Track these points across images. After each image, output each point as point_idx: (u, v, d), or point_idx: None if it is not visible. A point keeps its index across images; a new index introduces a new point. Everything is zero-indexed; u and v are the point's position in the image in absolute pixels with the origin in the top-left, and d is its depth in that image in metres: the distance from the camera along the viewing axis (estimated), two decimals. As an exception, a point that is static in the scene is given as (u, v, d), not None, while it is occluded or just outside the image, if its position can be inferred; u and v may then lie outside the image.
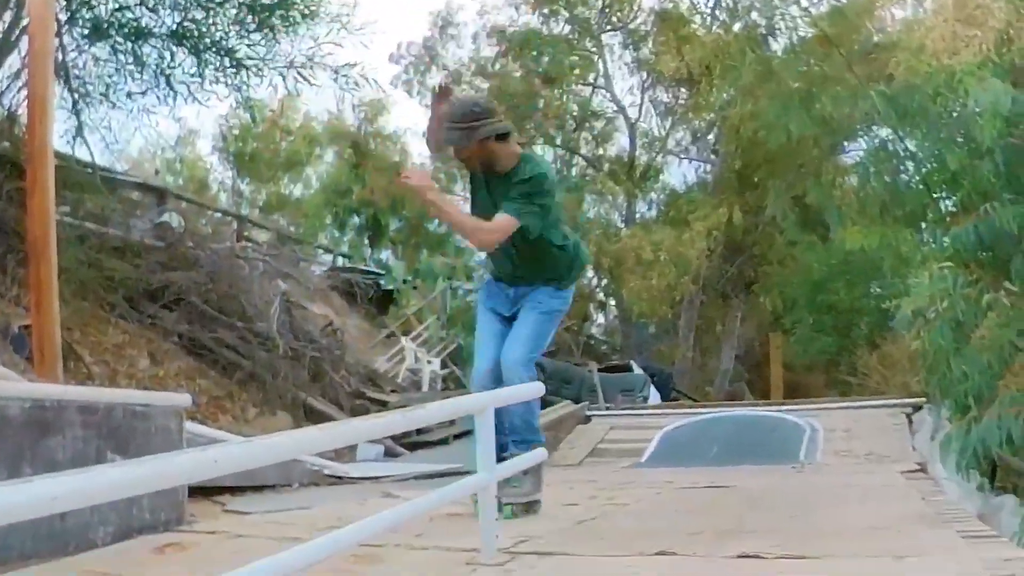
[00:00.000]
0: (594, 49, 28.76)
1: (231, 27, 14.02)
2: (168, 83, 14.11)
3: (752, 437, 11.34)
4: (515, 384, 5.82)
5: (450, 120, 5.93)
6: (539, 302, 6.21)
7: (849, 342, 22.85)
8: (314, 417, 12.80)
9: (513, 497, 6.04)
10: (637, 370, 20.64)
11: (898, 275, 13.60)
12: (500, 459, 5.18)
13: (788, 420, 11.77)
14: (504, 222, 5.89)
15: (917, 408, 12.17)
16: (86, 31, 13.81)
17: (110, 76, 14.13)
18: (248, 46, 14.08)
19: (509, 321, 6.25)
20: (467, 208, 6.40)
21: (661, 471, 9.38)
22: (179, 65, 14.10)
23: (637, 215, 29.73)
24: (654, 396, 19.48)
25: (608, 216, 30.13)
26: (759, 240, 26.48)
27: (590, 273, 27.50)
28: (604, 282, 29.61)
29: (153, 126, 19.17)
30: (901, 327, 10.96)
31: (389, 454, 12.13)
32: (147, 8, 13.82)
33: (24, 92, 11.66)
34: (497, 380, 6.02)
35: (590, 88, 29.72)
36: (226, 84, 14.20)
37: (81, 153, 14.06)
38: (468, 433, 10.32)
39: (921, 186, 11.93)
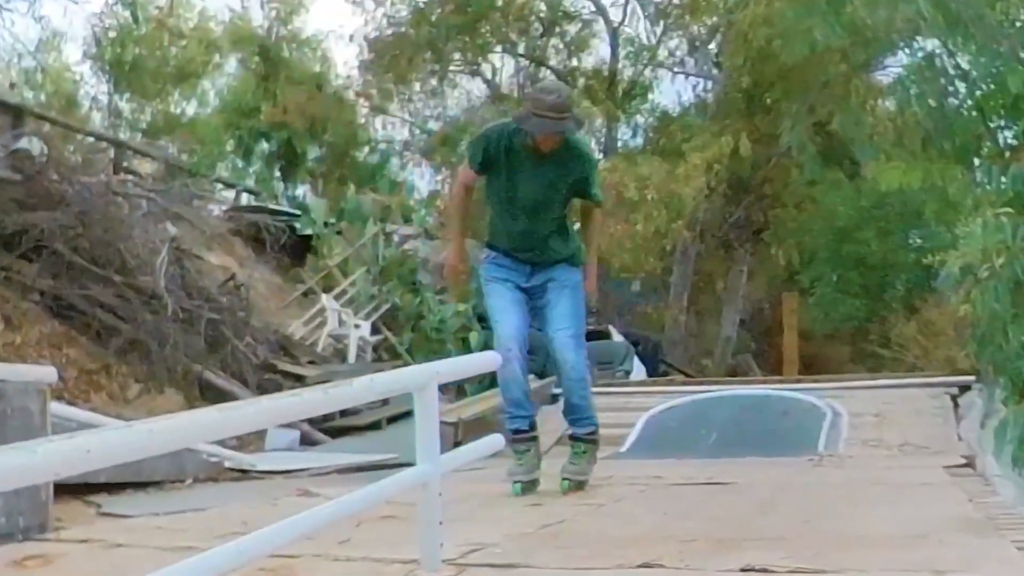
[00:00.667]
0: (568, -66, 28.71)
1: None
2: (27, -29, 13.92)
3: (760, 422, 11.44)
4: (568, 363, 7.75)
5: (560, 110, 7.34)
6: (566, 280, 7.77)
7: (881, 305, 23.07)
8: (212, 395, 12.78)
9: (573, 474, 7.62)
10: (617, 337, 20.70)
11: (944, 223, 13.70)
12: (529, 437, 7.72)
13: (804, 402, 11.87)
14: (598, 211, 8.22)
15: (965, 388, 12.30)
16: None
17: (-48, -38, 13.93)
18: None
19: (526, 292, 7.76)
20: (500, 186, 7.72)
21: (646, 463, 9.45)
22: (41, -52, 13.90)
23: (619, 143, 29.77)
24: (638, 370, 19.57)
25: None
26: (771, 177, 26.58)
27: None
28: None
29: (8, 27, 18.91)
30: (946, 287, 11.05)
31: (306, 442, 12.14)
32: None
33: None
34: (523, 346, 7.65)
35: (562, -17, 29.65)
36: (101, -27, 14.01)
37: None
38: (406, 415, 10.33)
39: (974, 112, 12.00)
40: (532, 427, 7.81)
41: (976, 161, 12.40)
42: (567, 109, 7.43)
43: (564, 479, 7.58)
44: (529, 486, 7.52)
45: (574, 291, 7.79)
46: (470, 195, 8.19)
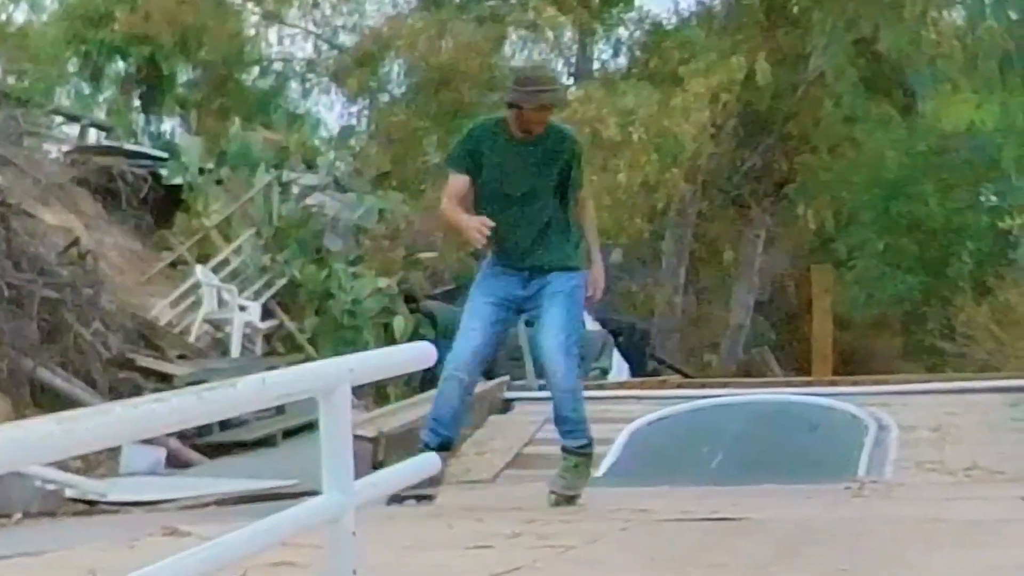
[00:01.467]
0: None
1: None
2: None
3: (780, 438, 11.51)
4: (558, 374, 8.98)
5: (550, 83, 9.41)
6: (560, 286, 9.08)
7: (943, 283, 23.20)
8: (48, 400, 12.78)
9: (563, 488, 8.93)
10: (591, 325, 20.78)
11: (1026, 173, 13.79)
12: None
13: (840, 411, 11.94)
14: (589, 200, 9.92)
15: (1053, 394, 12.38)
16: None
17: None
18: None
19: (522, 302, 9.22)
20: (490, 183, 9.23)
21: (628, 492, 9.51)
22: None
23: (595, 65, 29.77)
24: (619, 368, 19.66)
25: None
26: (798, 111, 26.63)
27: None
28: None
29: None
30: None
31: (175, 464, 12.14)
32: None
33: None
34: (480, 367, 9.38)
35: None
36: None
37: None
38: (308, 428, 10.35)
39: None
40: (444, 447, 8.91)
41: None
42: (556, 81, 9.64)
43: (552, 492, 8.93)
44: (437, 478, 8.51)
45: (568, 297, 9.12)
46: (462, 205, 9.32)
